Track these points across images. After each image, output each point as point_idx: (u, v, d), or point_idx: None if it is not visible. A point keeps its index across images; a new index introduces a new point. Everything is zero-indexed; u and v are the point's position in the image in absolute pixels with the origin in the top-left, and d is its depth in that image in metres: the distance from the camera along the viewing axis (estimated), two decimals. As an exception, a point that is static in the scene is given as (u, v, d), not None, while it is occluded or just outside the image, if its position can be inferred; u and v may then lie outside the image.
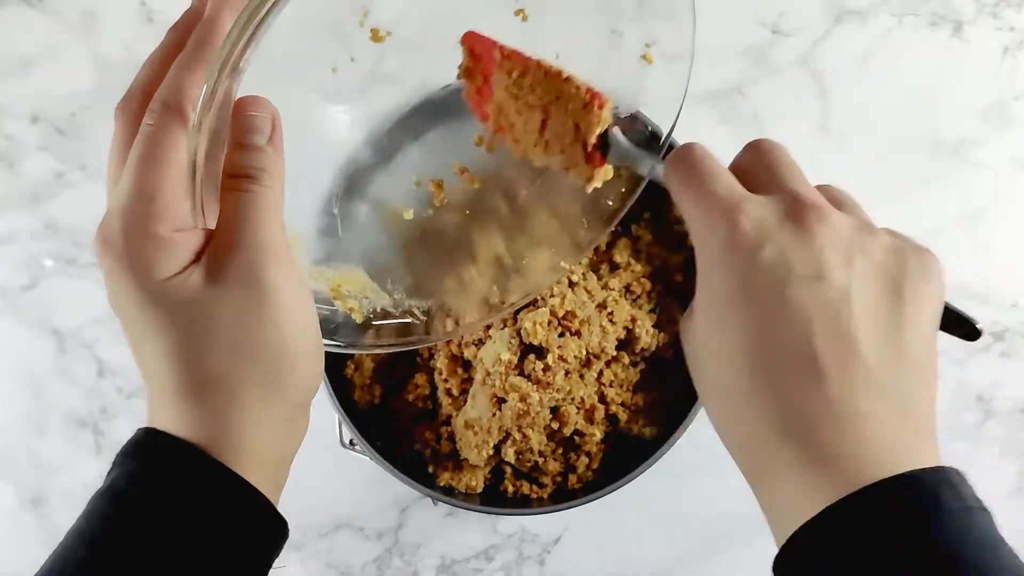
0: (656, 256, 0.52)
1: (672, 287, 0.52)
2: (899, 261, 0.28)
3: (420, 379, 0.51)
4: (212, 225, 0.29)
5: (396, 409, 0.52)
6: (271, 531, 0.29)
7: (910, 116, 0.63)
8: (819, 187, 0.30)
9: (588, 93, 0.34)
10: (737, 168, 0.30)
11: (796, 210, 0.27)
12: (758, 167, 0.29)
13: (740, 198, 0.27)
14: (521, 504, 0.50)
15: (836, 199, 0.29)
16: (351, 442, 0.49)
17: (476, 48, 0.38)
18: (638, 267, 0.51)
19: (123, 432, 0.61)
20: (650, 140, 0.38)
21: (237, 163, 0.29)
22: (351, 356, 0.50)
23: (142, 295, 0.27)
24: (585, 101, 0.34)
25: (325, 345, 0.32)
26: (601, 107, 0.34)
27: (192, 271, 0.27)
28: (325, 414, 0.47)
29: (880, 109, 0.63)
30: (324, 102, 0.38)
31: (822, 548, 0.24)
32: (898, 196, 0.63)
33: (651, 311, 0.51)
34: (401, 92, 0.42)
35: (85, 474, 0.62)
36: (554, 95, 0.35)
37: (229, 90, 0.26)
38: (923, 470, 0.25)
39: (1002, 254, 0.63)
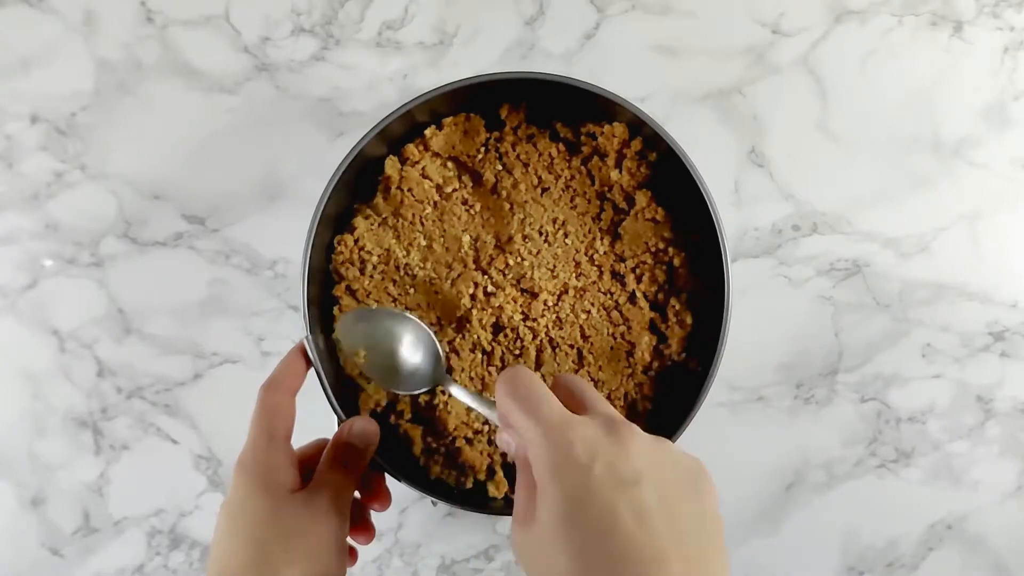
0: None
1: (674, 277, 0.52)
2: (693, 463, 0.33)
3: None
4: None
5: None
6: None
7: (910, 116, 0.63)
8: (557, 381, 0.37)
9: None
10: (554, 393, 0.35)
11: (613, 429, 0.32)
12: (566, 393, 0.36)
13: (569, 420, 0.33)
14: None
15: (585, 402, 0.36)
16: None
17: None
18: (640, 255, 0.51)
19: (123, 432, 0.62)
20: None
21: (341, 452, 0.43)
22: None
23: (265, 501, 0.40)
24: None
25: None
26: None
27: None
28: (325, 414, 0.47)
29: (880, 109, 0.63)
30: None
31: None
32: (898, 196, 0.63)
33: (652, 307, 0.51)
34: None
35: (85, 474, 0.62)
36: None
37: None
38: None
39: (1002, 254, 0.63)
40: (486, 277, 0.51)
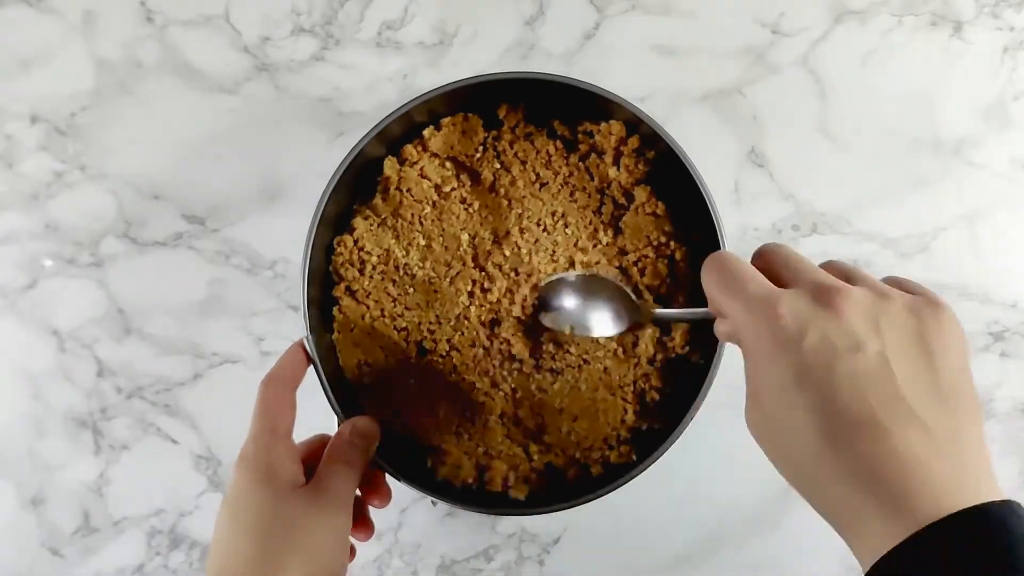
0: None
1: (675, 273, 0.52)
2: (918, 319, 0.31)
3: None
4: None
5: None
6: None
7: (910, 116, 0.63)
8: (826, 265, 0.34)
9: None
10: (758, 270, 0.34)
11: (823, 296, 0.31)
12: (776, 266, 0.34)
13: (774, 294, 0.32)
14: (520, 504, 0.50)
15: (846, 274, 0.33)
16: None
17: None
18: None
19: (123, 432, 0.62)
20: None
21: (343, 449, 0.44)
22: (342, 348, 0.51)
23: (266, 494, 0.40)
24: None
25: None
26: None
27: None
28: (325, 414, 0.47)
29: (880, 109, 0.63)
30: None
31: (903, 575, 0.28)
32: (898, 196, 0.63)
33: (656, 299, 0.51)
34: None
35: (85, 474, 0.62)
36: None
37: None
38: (991, 503, 0.28)
39: (1002, 254, 0.63)
40: (483, 274, 0.51)
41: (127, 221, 0.62)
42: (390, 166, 0.50)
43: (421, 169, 0.51)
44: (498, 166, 0.52)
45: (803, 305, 0.31)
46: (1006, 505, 0.28)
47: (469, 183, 0.52)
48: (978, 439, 0.30)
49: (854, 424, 0.29)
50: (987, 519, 0.27)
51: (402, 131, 0.51)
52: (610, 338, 0.50)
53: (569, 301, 0.49)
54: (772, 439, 0.33)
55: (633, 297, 0.47)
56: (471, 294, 0.51)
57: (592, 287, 0.48)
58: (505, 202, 0.51)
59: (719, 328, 0.36)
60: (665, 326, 0.50)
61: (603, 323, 0.48)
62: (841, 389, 0.29)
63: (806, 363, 0.30)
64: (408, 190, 0.51)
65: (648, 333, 0.51)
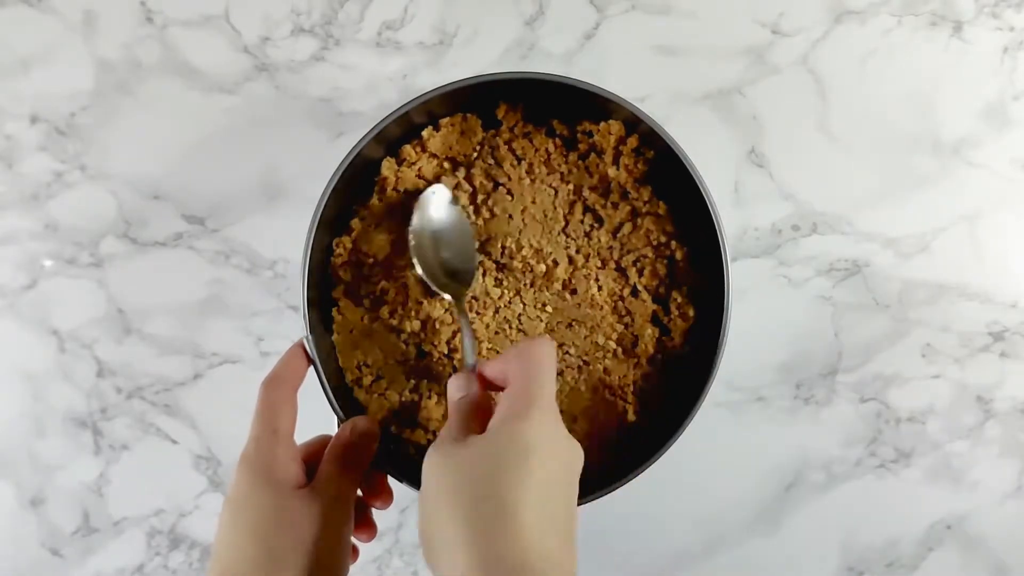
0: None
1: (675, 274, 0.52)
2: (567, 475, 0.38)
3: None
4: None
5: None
6: None
7: (910, 116, 0.63)
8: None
9: None
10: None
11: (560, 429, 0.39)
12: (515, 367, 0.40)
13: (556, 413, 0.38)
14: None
15: None
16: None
17: None
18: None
19: (122, 432, 0.62)
20: None
21: (343, 450, 0.44)
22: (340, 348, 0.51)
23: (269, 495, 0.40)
24: None
25: None
26: None
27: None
28: (325, 415, 0.47)
29: (880, 109, 0.63)
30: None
31: None
32: (898, 196, 0.63)
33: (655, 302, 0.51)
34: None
35: (85, 474, 0.62)
36: None
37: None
38: None
39: (1001, 254, 0.63)
40: (480, 271, 0.51)
41: (127, 221, 0.62)
42: (387, 167, 0.50)
43: (419, 170, 0.51)
44: (493, 162, 0.52)
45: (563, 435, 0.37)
46: None
47: (467, 183, 0.52)
48: (565, 552, 0.35)
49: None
50: None
51: (401, 131, 0.51)
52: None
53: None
54: (436, 479, 0.36)
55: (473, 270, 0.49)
56: (475, 296, 0.51)
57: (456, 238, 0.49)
58: (506, 200, 0.51)
59: (460, 381, 0.41)
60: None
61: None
62: (518, 488, 0.34)
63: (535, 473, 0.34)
64: (405, 191, 0.51)
65: (648, 333, 0.51)
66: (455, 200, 0.50)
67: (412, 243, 0.49)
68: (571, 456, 0.37)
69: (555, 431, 0.36)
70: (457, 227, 0.50)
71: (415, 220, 0.49)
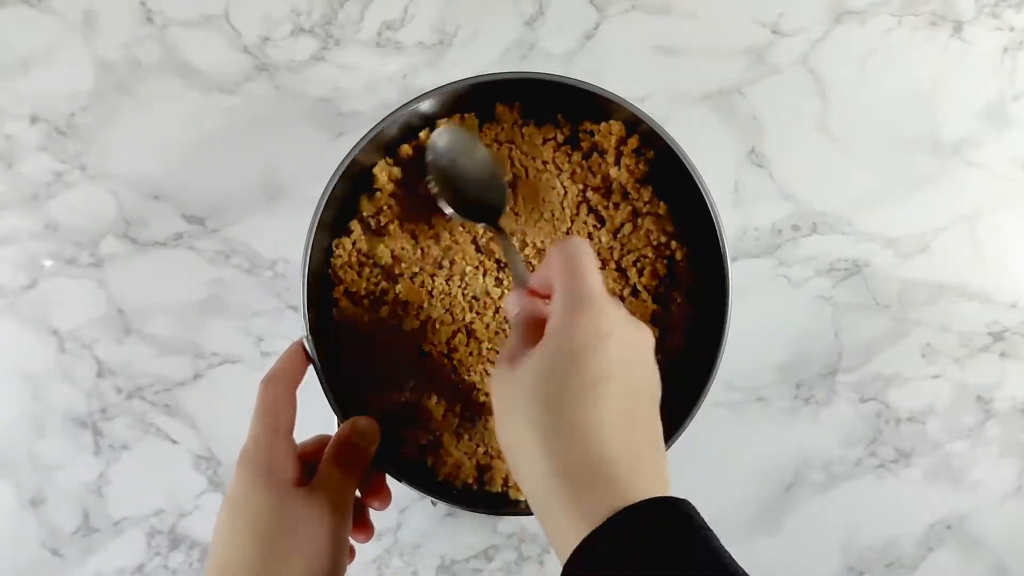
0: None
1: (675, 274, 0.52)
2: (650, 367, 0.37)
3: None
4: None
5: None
6: None
7: (909, 116, 0.63)
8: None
9: None
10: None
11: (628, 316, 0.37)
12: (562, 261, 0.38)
13: (604, 296, 0.35)
14: (520, 504, 0.50)
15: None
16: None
17: None
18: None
19: (122, 432, 0.62)
20: None
21: (343, 449, 0.44)
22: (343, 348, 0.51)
23: (269, 494, 0.40)
24: None
25: None
26: None
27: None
28: (325, 414, 0.47)
29: (879, 109, 0.63)
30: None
31: (600, 557, 0.30)
32: (898, 196, 0.63)
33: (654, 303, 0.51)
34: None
35: (85, 474, 0.62)
36: None
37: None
38: (677, 499, 0.33)
39: (1001, 254, 0.63)
40: (482, 272, 0.51)
41: (127, 221, 0.62)
42: (381, 169, 0.50)
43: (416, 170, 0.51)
44: (511, 161, 0.52)
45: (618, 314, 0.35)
46: (687, 502, 0.33)
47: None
48: (650, 444, 0.34)
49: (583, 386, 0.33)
50: (675, 508, 0.32)
51: (400, 132, 0.51)
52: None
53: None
54: (509, 400, 0.35)
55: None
56: (475, 296, 0.51)
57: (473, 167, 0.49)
58: (510, 198, 0.51)
59: (515, 298, 0.40)
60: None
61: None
62: (591, 367, 0.33)
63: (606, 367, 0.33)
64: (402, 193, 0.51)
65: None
66: (461, 129, 0.49)
67: (433, 188, 0.48)
68: (635, 336, 0.35)
69: (609, 317, 0.34)
70: (472, 152, 0.49)
71: (429, 160, 0.48)
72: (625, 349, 0.34)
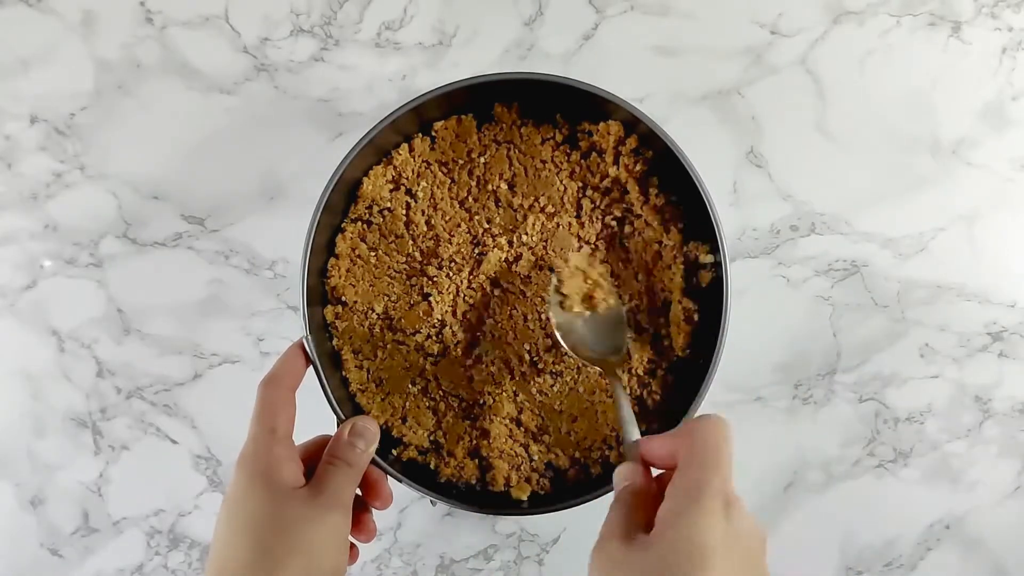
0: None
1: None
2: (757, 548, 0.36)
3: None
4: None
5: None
6: None
7: (908, 116, 0.63)
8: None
9: None
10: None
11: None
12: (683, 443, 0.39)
13: (733, 495, 0.36)
14: (520, 504, 0.50)
15: None
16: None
17: None
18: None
19: (122, 432, 0.62)
20: None
21: (342, 450, 0.44)
22: (343, 350, 0.51)
23: (266, 496, 0.40)
24: None
25: None
26: None
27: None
28: (325, 414, 0.47)
29: (878, 109, 0.63)
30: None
31: None
32: (896, 196, 0.63)
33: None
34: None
35: (84, 474, 0.62)
36: None
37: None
38: None
39: (1000, 254, 0.63)
40: (481, 273, 0.51)
41: (127, 221, 0.62)
42: (369, 183, 0.50)
43: (413, 171, 0.51)
44: (493, 162, 0.52)
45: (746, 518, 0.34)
46: None
47: (465, 183, 0.52)
48: None
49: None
50: None
51: (399, 133, 0.51)
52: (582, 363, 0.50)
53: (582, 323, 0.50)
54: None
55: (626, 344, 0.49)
56: (458, 291, 0.51)
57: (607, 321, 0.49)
58: (505, 197, 0.51)
59: (627, 470, 0.39)
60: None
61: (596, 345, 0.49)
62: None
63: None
64: (398, 196, 0.51)
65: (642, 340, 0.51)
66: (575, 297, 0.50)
67: (558, 333, 0.49)
68: (750, 545, 0.34)
69: (731, 524, 0.33)
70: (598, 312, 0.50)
71: (553, 306, 0.49)
72: (745, 558, 0.34)
